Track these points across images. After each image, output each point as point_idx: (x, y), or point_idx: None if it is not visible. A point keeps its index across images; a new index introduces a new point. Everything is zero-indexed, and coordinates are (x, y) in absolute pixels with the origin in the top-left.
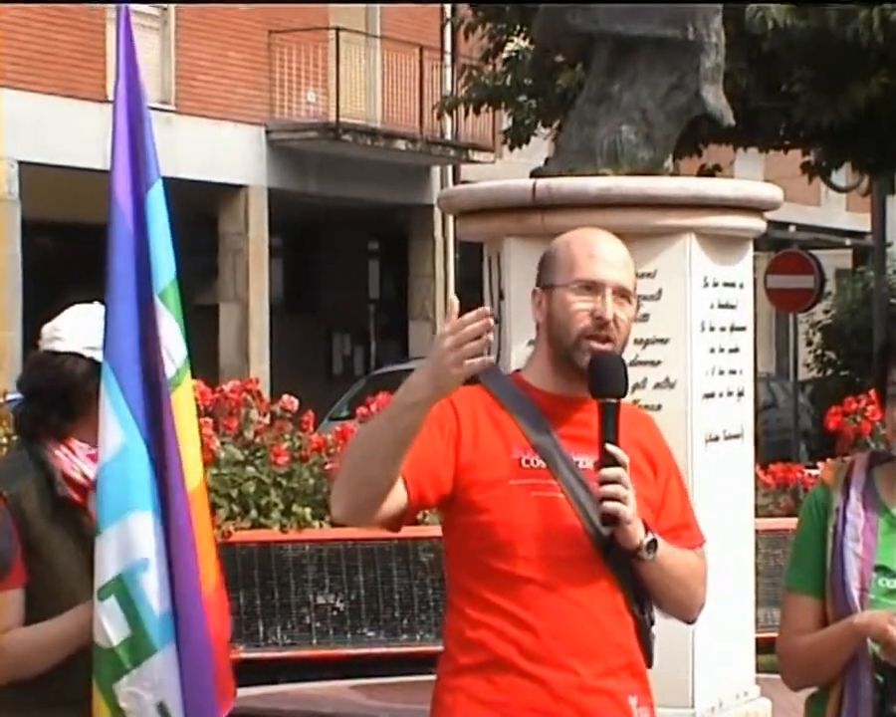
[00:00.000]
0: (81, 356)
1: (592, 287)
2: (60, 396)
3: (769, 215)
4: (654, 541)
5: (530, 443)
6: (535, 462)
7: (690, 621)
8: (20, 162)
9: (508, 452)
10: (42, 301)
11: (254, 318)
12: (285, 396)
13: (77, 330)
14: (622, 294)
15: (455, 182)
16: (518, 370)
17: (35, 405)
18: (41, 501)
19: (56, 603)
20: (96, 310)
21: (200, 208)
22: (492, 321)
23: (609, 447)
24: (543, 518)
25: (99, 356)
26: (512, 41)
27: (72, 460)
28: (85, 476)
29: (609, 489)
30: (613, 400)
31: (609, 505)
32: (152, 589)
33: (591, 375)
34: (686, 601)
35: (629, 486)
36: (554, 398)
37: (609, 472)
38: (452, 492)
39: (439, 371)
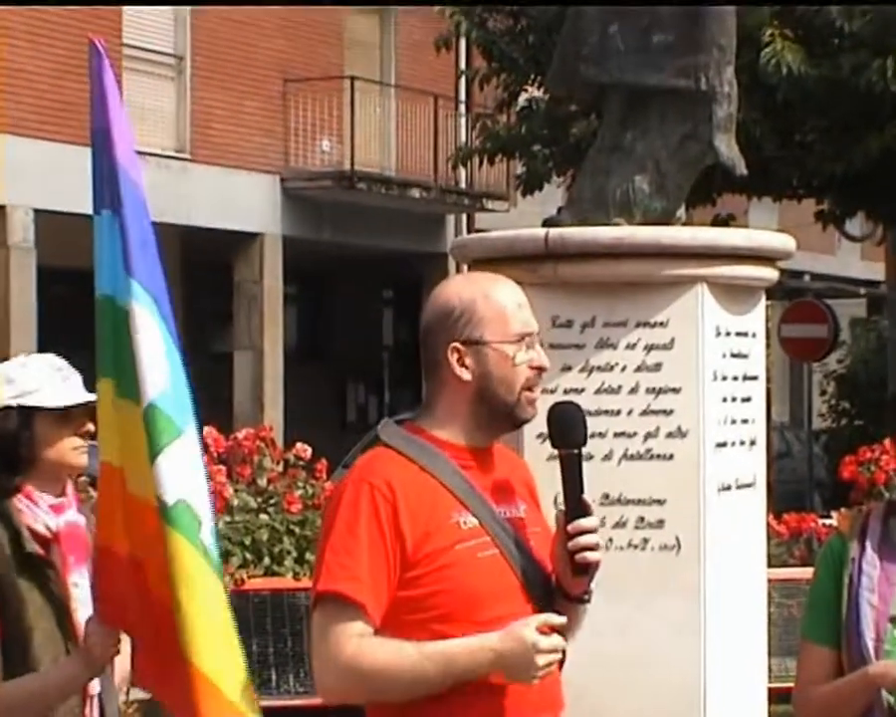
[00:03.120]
0: (9, 407)
1: (527, 337)
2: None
3: (783, 264)
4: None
5: (461, 503)
6: (470, 522)
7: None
8: (35, 210)
9: (447, 518)
10: (57, 348)
11: (268, 365)
12: (298, 444)
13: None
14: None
15: (469, 231)
16: (410, 421)
17: None
18: (8, 557)
19: (25, 659)
20: (15, 361)
21: (215, 256)
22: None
23: (584, 498)
24: (489, 578)
25: (26, 400)
26: (526, 91)
27: (34, 512)
28: (48, 528)
29: (591, 540)
30: (576, 451)
31: (592, 556)
32: None
33: (554, 426)
34: (574, 637)
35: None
36: (463, 450)
37: (588, 523)
38: (399, 578)
39: (521, 677)
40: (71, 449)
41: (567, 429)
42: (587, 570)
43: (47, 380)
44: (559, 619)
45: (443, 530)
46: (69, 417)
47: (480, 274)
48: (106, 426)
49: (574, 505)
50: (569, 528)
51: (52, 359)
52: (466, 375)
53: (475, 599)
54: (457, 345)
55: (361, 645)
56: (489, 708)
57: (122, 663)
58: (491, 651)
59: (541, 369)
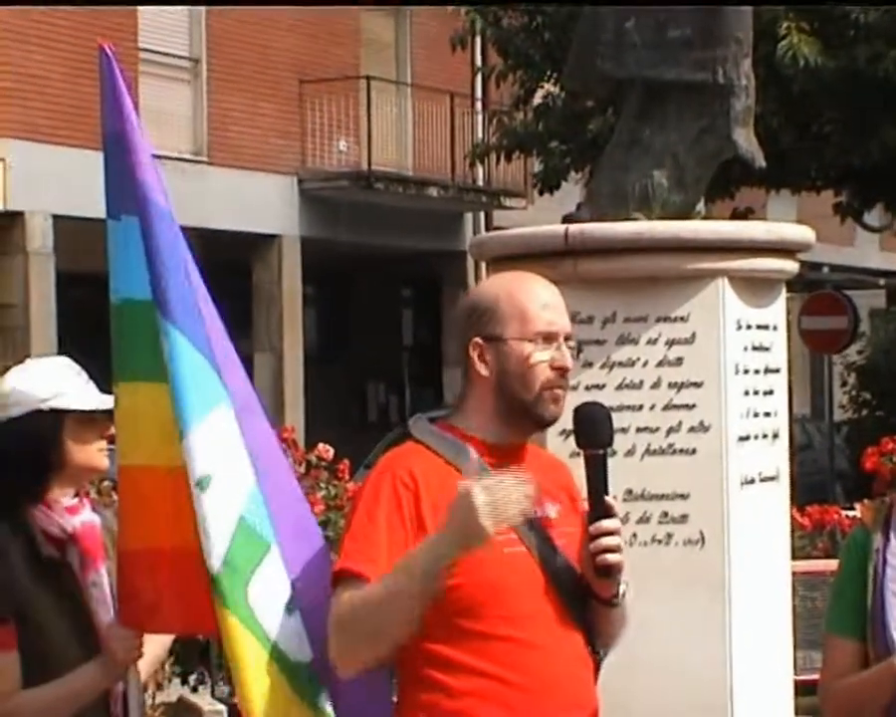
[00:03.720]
0: (40, 411)
1: (549, 337)
2: (31, 459)
3: (802, 256)
4: (626, 587)
5: None
6: None
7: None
8: (53, 216)
9: None
10: (76, 353)
11: (288, 367)
12: (320, 445)
13: (26, 388)
14: (567, 339)
15: (487, 229)
16: (443, 418)
17: (8, 473)
18: (25, 564)
19: (46, 664)
20: (35, 364)
21: (233, 258)
22: (531, 486)
23: (607, 499)
24: (513, 574)
25: (57, 403)
26: (542, 87)
27: (49, 516)
28: (63, 530)
29: (612, 541)
30: (601, 452)
31: (612, 557)
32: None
33: (579, 427)
34: (616, 641)
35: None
36: (493, 447)
37: (609, 524)
38: None
39: (472, 534)
40: (97, 451)
41: (593, 430)
42: (610, 572)
43: (71, 384)
44: (474, 461)
45: None
46: (94, 420)
47: (514, 273)
48: (125, 429)
49: (597, 506)
50: (591, 529)
51: (68, 362)
52: (484, 371)
53: (499, 594)
54: (478, 340)
55: (347, 598)
56: (506, 705)
57: (152, 654)
58: (440, 531)
59: (562, 370)
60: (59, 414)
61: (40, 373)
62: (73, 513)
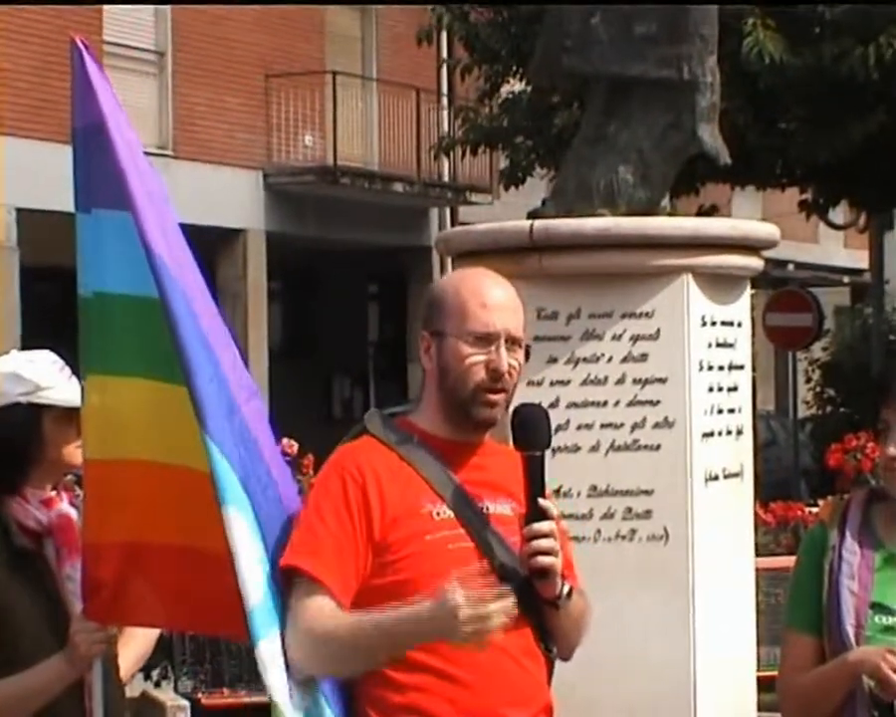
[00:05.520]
0: (17, 404)
1: (486, 338)
2: (8, 451)
3: (767, 253)
4: (570, 590)
5: (436, 494)
6: (444, 513)
7: (567, 660)
8: (18, 209)
9: (418, 507)
10: (42, 347)
11: (253, 362)
12: (285, 440)
13: (8, 380)
14: (513, 341)
15: (453, 224)
16: (403, 414)
17: None
18: None
19: (19, 651)
20: (19, 357)
21: (199, 253)
22: (511, 602)
23: (541, 501)
24: (458, 569)
25: (37, 397)
26: (508, 82)
27: (25, 508)
28: (39, 522)
29: (543, 544)
30: (538, 453)
31: (544, 560)
32: None
33: (516, 428)
34: (575, 642)
35: (558, 539)
36: (449, 444)
37: (541, 526)
38: (372, 561)
39: (450, 635)
40: (75, 448)
41: (531, 431)
42: (545, 574)
43: (54, 379)
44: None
45: (413, 518)
46: (72, 416)
47: (470, 269)
48: (92, 422)
49: (532, 508)
50: (524, 532)
51: (53, 358)
52: (428, 365)
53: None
54: (425, 333)
55: (316, 615)
56: (450, 699)
57: (134, 652)
58: (414, 612)
59: (496, 373)
60: (38, 408)
61: (23, 368)
62: (49, 506)
